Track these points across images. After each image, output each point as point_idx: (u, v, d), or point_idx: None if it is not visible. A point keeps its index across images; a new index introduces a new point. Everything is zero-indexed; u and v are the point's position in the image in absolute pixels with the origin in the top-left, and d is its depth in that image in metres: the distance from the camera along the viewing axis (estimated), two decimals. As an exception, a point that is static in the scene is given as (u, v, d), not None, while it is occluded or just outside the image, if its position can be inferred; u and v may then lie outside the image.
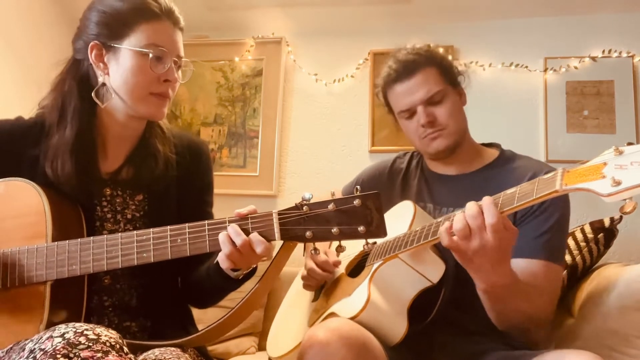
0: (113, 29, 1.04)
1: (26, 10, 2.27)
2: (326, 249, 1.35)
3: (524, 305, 1.06)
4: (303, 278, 1.36)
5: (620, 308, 1.19)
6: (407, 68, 1.30)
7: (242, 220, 0.93)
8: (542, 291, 1.11)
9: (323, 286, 1.37)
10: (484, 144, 1.40)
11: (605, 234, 1.60)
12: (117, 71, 1.05)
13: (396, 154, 1.53)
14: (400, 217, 1.19)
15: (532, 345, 1.15)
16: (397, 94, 1.32)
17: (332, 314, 1.17)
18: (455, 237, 0.95)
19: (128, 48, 1.03)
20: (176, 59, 1.08)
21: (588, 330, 1.28)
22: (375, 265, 1.14)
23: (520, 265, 1.12)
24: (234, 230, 0.91)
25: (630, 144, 0.75)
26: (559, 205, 1.17)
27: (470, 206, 0.93)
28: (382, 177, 1.47)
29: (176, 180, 1.16)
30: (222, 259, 0.94)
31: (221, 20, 2.55)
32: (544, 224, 1.15)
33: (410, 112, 1.31)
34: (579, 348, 0.95)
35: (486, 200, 0.92)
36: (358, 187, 0.92)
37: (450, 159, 1.34)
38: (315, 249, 0.93)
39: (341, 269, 1.32)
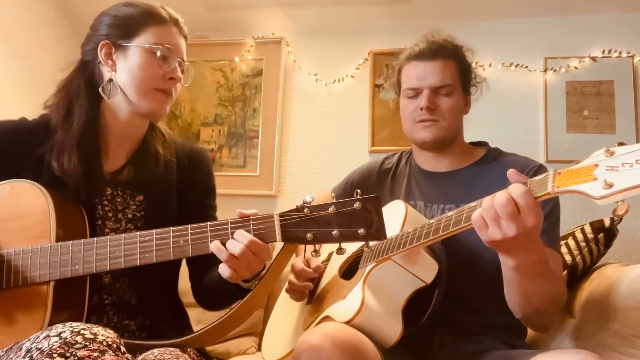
0: (124, 29, 1.10)
1: (26, 10, 2.26)
2: (308, 257, 1.32)
3: (549, 286, 1.03)
4: (287, 291, 1.35)
5: (620, 308, 1.19)
6: (432, 50, 1.33)
7: (244, 222, 0.94)
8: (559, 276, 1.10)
9: (316, 288, 1.36)
10: (472, 143, 1.41)
11: (605, 234, 1.60)
12: (125, 67, 1.09)
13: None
14: (391, 217, 1.19)
15: (545, 330, 1.15)
16: (413, 70, 1.34)
17: (327, 317, 1.17)
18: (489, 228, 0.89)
19: (137, 45, 1.09)
20: (180, 61, 1.13)
21: (588, 330, 1.29)
22: (369, 267, 1.14)
23: None
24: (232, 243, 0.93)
25: (621, 144, 0.74)
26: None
27: (500, 195, 0.88)
28: (371, 177, 1.48)
29: (176, 184, 1.18)
30: (222, 269, 0.95)
31: (221, 20, 2.55)
32: None
33: (416, 93, 1.33)
34: (579, 348, 0.95)
35: (515, 187, 0.87)
36: (358, 190, 0.93)
37: (441, 156, 1.36)
38: (315, 250, 0.94)
39: (334, 271, 1.32)
